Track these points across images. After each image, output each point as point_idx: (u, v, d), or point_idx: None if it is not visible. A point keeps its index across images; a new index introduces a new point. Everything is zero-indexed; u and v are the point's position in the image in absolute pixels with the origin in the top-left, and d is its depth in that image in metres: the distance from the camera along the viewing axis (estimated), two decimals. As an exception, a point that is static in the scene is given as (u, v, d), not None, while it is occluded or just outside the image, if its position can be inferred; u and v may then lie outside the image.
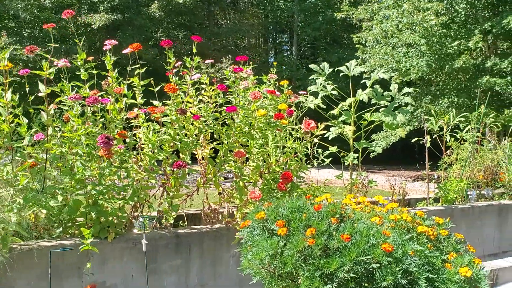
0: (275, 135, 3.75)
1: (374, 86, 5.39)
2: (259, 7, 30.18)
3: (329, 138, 5.13)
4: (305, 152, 3.86)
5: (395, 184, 5.92)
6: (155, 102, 3.37)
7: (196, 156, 3.81)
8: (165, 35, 23.82)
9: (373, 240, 1.90)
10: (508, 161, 7.09)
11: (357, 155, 5.04)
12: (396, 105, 4.99)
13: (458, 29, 16.28)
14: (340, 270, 1.83)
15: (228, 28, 25.40)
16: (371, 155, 19.06)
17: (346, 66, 5.40)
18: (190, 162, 3.28)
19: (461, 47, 14.89)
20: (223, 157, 3.44)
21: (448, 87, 16.68)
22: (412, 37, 14.56)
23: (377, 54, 16.34)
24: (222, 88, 3.45)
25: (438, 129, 6.45)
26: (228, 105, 3.77)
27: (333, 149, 5.13)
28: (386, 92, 5.15)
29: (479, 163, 5.97)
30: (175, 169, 3.10)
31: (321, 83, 5.25)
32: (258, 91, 3.60)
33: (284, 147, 3.88)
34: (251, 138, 3.51)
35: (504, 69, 15.05)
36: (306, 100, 5.03)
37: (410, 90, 4.99)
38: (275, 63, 4.36)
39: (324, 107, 5.13)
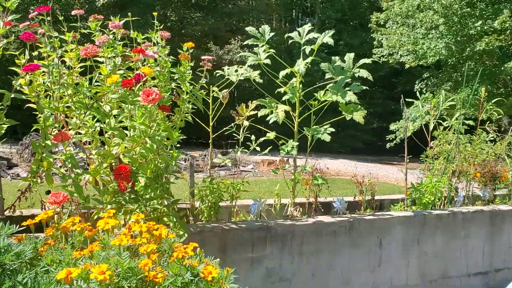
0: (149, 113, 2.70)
1: (332, 58, 4.26)
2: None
3: (270, 122, 4.04)
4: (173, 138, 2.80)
5: (363, 182, 4.79)
6: None
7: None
8: (175, 15, 22.91)
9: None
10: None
11: (296, 143, 3.95)
12: (348, 80, 3.85)
13: (486, 8, 14.66)
14: None
15: (241, 8, 24.18)
16: (387, 145, 17.72)
17: (298, 31, 4.29)
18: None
19: (486, 28, 13.32)
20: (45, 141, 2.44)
21: (472, 73, 15.14)
22: (429, 16, 13.10)
23: (393, 34, 14.94)
24: (28, 37, 2.42)
25: (424, 115, 5.27)
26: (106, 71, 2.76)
27: (271, 135, 4.06)
28: (342, 64, 4.01)
29: (465, 157, 4.75)
30: None
31: (263, 51, 4.17)
32: (94, 45, 2.56)
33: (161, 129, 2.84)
34: (97, 114, 2.49)
35: (535, 53, 13.46)
36: (236, 72, 3.97)
37: (368, 61, 3.85)
38: (155, 14, 3.31)
39: (261, 81, 4.04)
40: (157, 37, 3.15)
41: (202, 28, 22.51)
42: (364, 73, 3.78)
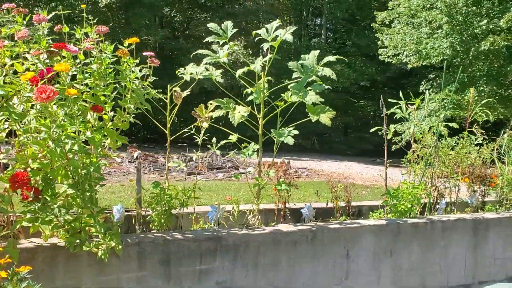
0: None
1: (302, 55, 4.00)
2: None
3: (234, 124, 3.78)
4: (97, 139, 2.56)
5: (335, 187, 4.52)
6: None
7: None
8: (180, 16, 22.79)
9: None
10: (508, 159, 5.50)
11: (257, 147, 3.70)
12: (310, 80, 3.59)
13: (492, 6, 14.23)
14: None
15: (245, 9, 23.97)
16: (393, 147, 17.36)
17: (266, 28, 4.03)
18: None
19: (491, 27, 12.89)
20: None
21: (478, 73, 14.72)
22: (433, 15, 12.72)
23: (396, 34, 14.59)
24: None
25: (407, 116, 5.00)
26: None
27: (233, 137, 3.83)
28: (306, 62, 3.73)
29: (444, 162, 4.45)
30: None
31: (228, 48, 3.94)
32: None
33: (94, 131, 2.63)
34: (9, 114, 2.27)
35: (544, 53, 13.01)
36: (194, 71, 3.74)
37: (333, 58, 3.59)
38: (83, 6, 3.07)
39: (221, 81, 3.81)
40: (93, 32, 2.93)
41: (207, 29, 22.31)
42: (327, 72, 3.51)
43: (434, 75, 16.69)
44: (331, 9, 27.47)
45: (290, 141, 3.62)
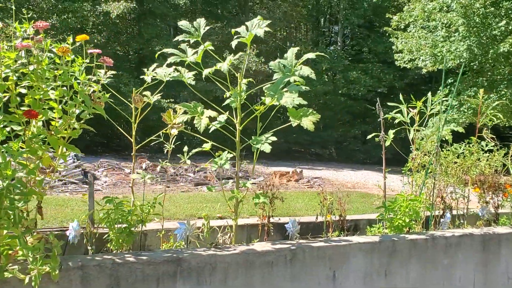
0: None
1: (285, 55, 3.61)
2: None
3: (200, 130, 3.41)
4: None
5: (326, 199, 4.10)
6: None
7: None
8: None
9: None
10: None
11: (231, 155, 3.33)
12: (287, 80, 3.19)
13: (512, 7, 13.61)
14: None
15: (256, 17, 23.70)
16: (410, 156, 16.75)
17: (246, 25, 3.67)
18: None
19: (511, 28, 12.28)
20: None
21: (499, 77, 14.08)
22: (448, 17, 12.18)
23: (411, 38, 14.08)
24: None
25: (409, 121, 4.58)
26: None
27: (207, 146, 3.46)
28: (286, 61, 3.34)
29: (446, 171, 3.99)
30: None
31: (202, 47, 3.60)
32: None
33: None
34: None
35: None
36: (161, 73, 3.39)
37: (312, 55, 3.19)
38: None
39: (193, 83, 3.45)
40: (30, 28, 2.60)
41: (218, 38, 22.14)
42: (306, 71, 3.11)
43: (452, 80, 16.08)
44: (347, 16, 27.02)
45: (266, 148, 3.22)
